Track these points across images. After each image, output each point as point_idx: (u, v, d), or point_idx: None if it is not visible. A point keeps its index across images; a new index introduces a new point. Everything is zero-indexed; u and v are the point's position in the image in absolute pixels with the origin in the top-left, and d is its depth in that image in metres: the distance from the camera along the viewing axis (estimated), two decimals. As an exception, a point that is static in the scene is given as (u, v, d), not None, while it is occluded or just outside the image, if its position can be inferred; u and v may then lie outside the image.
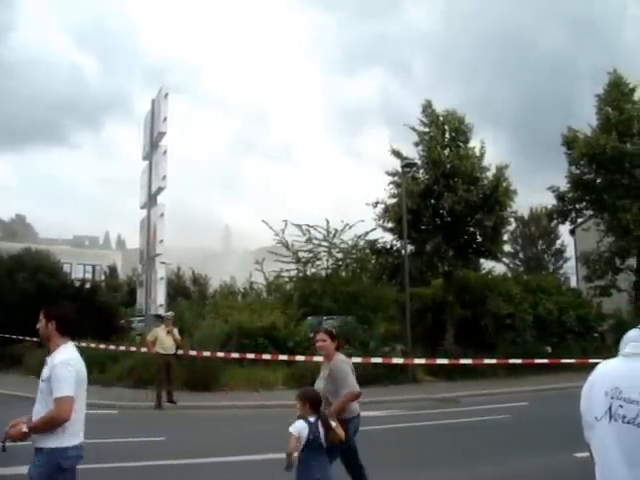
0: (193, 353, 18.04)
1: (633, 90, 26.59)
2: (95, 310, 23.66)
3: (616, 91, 26.38)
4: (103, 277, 48.71)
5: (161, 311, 20.21)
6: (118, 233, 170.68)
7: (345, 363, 6.74)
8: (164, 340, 15.73)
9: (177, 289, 38.78)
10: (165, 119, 22.57)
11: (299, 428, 5.48)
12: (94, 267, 57.44)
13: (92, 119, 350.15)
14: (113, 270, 50.22)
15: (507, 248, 42.11)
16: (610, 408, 2.30)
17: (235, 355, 18.60)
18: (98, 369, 18.77)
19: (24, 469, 4.37)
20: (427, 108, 25.20)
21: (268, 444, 10.66)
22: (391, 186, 25.23)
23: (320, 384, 6.68)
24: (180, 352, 16.85)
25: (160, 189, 22.49)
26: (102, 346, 19.97)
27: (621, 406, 2.27)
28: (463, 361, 19.93)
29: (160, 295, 21.76)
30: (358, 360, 19.17)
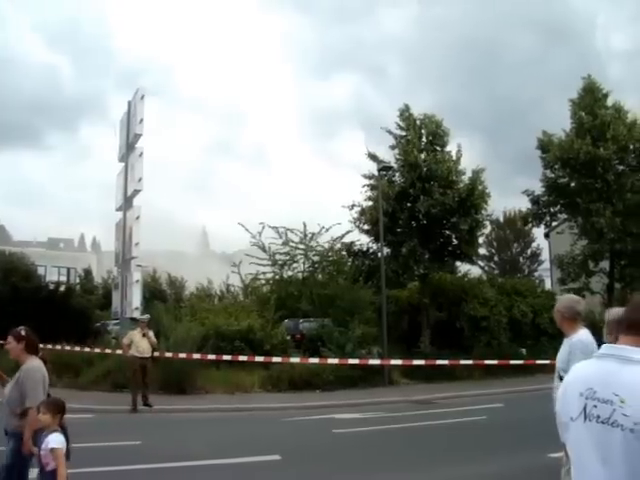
0: (169, 355, 17.95)
1: (606, 96, 26.98)
2: (70, 313, 23.45)
3: (590, 96, 26.72)
4: (78, 280, 48.29)
5: (137, 314, 20.07)
6: (93, 236, 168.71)
7: (38, 371, 5.90)
8: (140, 343, 15.64)
9: (153, 292, 38.48)
10: (141, 121, 22.46)
11: (61, 441, 5.04)
12: (69, 270, 56.83)
13: (66, 120, 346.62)
14: (88, 273, 49.77)
15: (482, 251, 42.47)
16: (585, 408, 2.34)
17: (212, 357, 18.55)
18: (73, 373, 18.62)
19: None
20: (404, 112, 25.40)
21: (244, 447, 10.67)
22: (367, 189, 25.38)
23: (7, 389, 5.98)
24: (156, 355, 16.76)
25: (136, 191, 22.36)
26: (77, 349, 19.80)
27: (595, 406, 2.30)
28: (439, 362, 20.09)
29: (136, 298, 21.63)
30: (335, 362, 19.28)
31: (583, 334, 5.80)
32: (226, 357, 18.69)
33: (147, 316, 17.46)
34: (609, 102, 26.94)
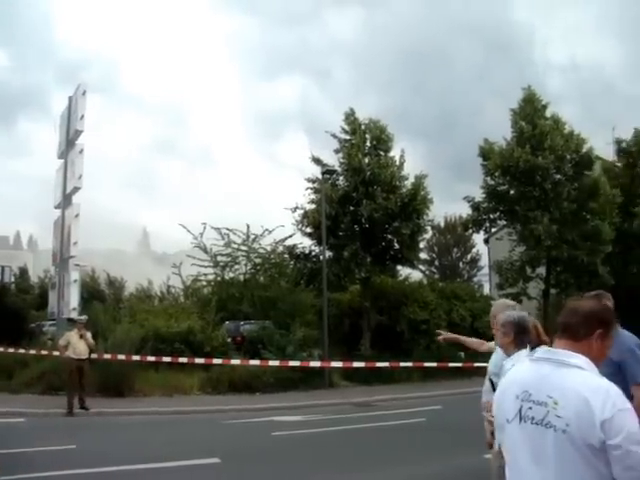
0: (107, 357, 17.61)
1: (545, 107, 27.71)
2: (4, 313, 22.80)
3: (530, 107, 27.38)
4: (13, 279, 46.92)
5: (74, 314, 19.62)
6: (30, 233, 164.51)
7: None
8: (77, 344, 15.30)
9: (91, 292, 37.65)
10: (82, 117, 21.98)
11: None
12: (3, 268, 54.97)
13: (3, 114, 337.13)
14: (24, 272, 48.45)
15: (423, 256, 43.12)
16: (520, 410, 2.42)
17: (151, 358, 18.26)
18: (5, 375, 18.09)
19: None
20: (350, 116, 25.55)
21: (182, 450, 10.55)
22: (310, 192, 25.44)
23: None
24: (93, 357, 16.43)
25: (76, 189, 21.87)
26: (11, 350, 19.22)
27: (530, 408, 2.38)
28: (379, 364, 20.24)
29: (73, 298, 21.13)
30: (275, 364, 19.24)
31: None
32: (165, 359, 18.43)
33: (85, 317, 17.08)
34: (548, 113, 27.69)
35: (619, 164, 33.73)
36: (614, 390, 2.30)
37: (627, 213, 30.24)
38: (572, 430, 2.25)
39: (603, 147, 34.87)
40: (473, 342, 7.10)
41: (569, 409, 2.27)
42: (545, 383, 2.39)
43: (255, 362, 19.33)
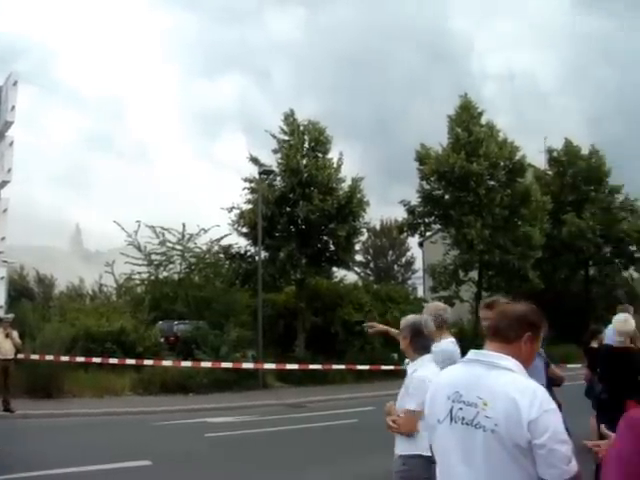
0: (35, 357, 17.11)
1: (481, 114, 28.35)
2: None
3: (466, 114, 27.97)
4: None
5: (0, 313, 19.01)
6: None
7: None
8: (2, 344, 14.82)
9: (19, 290, 36.58)
10: (13, 108, 21.28)
11: None
12: None
13: None
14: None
15: (359, 258, 43.34)
16: (451, 411, 2.46)
17: (80, 359, 17.79)
18: None
19: None
20: (289, 116, 25.51)
21: (113, 453, 10.34)
22: (246, 192, 25.31)
23: None
24: (20, 357, 15.95)
25: (4, 182, 21.06)
26: None
27: (461, 409, 2.43)
28: (312, 366, 20.31)
29: (0, 296, 20.49)
30: (208, 365, 19.06)
31: (446, 343, 5.98)
32: (96, 359, 17.99)
33: (11, 315, 16.52)
34: (483, 120, 28.34)
35: (550, 172, 34.91)
36: (541, 391, 2.37)
37: (557, 220, 31.31)
38: (500, 430, 2.30)
39: (535, 155, 36.01)
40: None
41: (498, 410, 2.33)
42: (475, 384, 2.43)
43: (187, 364, 19.09)
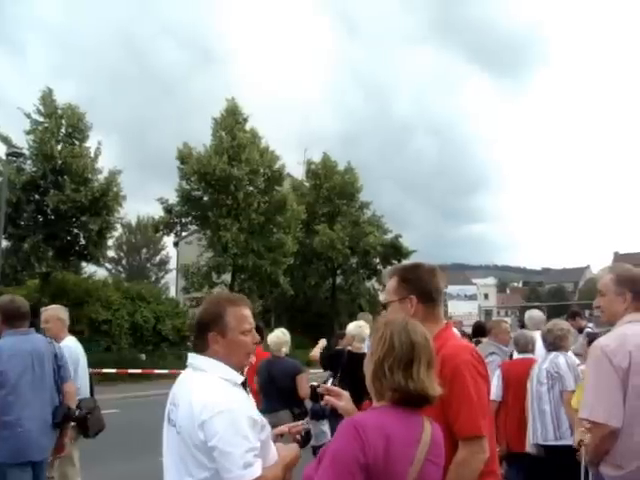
0: None
1: (246, 120, 28.82)
2: None
3: (232, 118, 28.23)
4: None
5: None
6: None
7: None
8: None
9: None
10: None
11: None
12: None
13: None
14: None
15: (111, 254, 41.97)
16: (168, 412, 2.61)
17: None
18: None
19: None
20: (47, 97, 23.74)
21: None
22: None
23: None
24: None
25: None
26: None
27: (171, 410, 2.59)
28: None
29: None
30: None
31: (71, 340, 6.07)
32: None
33: None
34: (247, 127, 28.81)
35: (307, 183, 36.46)
36: (214, 394, 2.47)
37: (310, 229, 32.80)
38: (182, 431, 2.46)
39: (295, 166, 37.45)
40: None
41: (181, 411, 2.49)
42: (179, 387, 2.63)
43: None
